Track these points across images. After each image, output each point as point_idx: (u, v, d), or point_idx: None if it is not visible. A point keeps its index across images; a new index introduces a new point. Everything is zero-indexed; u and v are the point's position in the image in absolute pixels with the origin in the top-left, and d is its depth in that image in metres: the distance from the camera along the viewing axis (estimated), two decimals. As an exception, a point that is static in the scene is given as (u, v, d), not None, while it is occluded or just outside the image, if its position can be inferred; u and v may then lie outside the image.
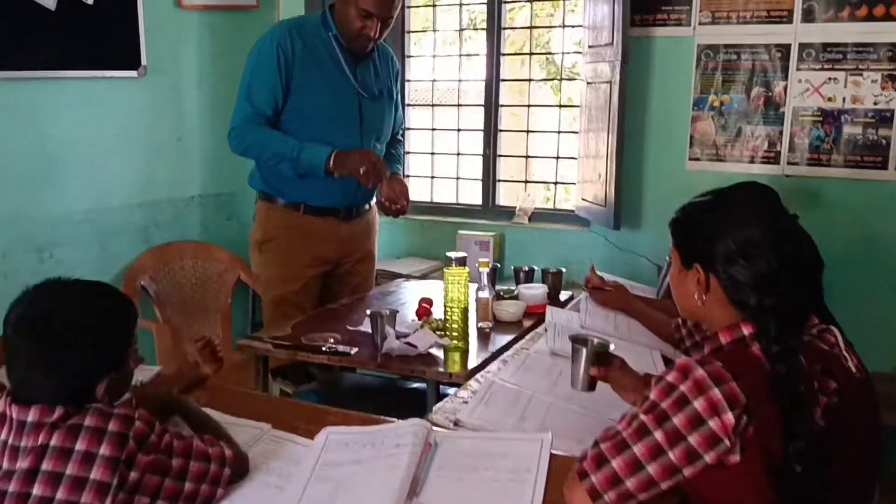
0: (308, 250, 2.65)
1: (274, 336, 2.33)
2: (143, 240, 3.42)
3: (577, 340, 1.77)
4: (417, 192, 4.04)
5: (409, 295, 2.92)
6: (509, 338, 2.36)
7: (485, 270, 2.44)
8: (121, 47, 3.24)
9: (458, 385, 1.98)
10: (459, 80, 3.89)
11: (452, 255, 2.20)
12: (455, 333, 2.21)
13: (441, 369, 2.08)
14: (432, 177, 3.99)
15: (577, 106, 3.62)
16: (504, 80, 3.76)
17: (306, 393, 2.34)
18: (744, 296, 1.36)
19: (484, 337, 2.39)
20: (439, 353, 2.20)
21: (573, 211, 3.61)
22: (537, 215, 3.70)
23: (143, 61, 3.30)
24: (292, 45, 2.53)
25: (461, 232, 3.64)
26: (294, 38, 2.54)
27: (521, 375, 1.95)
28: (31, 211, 2.97)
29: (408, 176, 3.98)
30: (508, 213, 3.75)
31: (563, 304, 2.74)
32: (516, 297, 2.67)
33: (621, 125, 3.14)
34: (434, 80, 3.96)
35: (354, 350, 2.20)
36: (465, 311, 2.21)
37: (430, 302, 2.64)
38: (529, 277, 2.88)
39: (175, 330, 3.36)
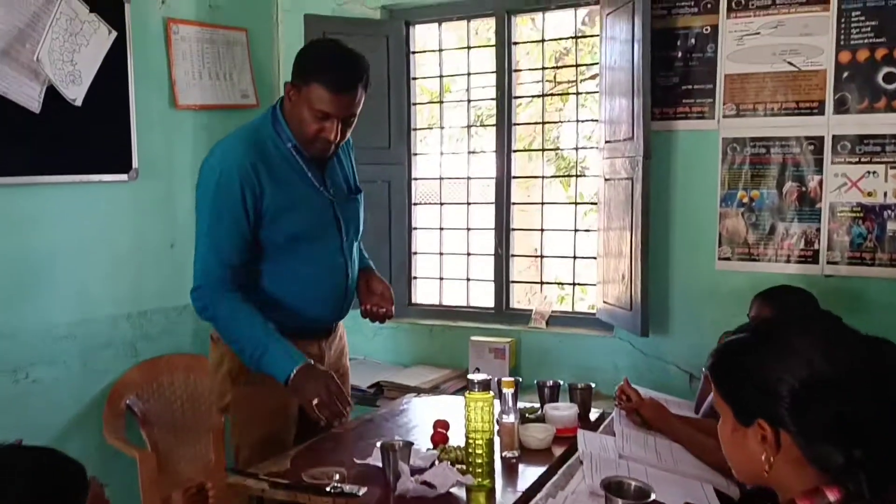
0: None
1: (270, 472, 2.05)
2: (130, 354, 3.16)
3: (611, 488, 1.49)
4: (425, 294, 3.80)
5: (420, 415, 2.63)
6: (539, 470, 2.07)
7: (509, 392, 2.17)
8: (111, 150, 3.06)
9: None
10: (468, 178, 3.70)
11: (475, 377, 1.94)
12: (479, 469, 1.92)
13: (466, 521, 1.79)
14: (441, 278, 3.76)
15: (594, 203, 3.43)
16: (516, 178, 3.58)
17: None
18: (824, 450, 1.10)
19: (510, 469, 2.10)
20: (461, 492, 1.92)
21: (594, 314, 3.37)
22: (555, 319, 3.45)
23: (135, 164, 3.11)
24: (258, 179, 2.14)
25: (474, 338, 3.38)
26: (258, 168, 2.14)
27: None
28: (7, 327, 2.72)
29: (415, 277, 3.75)
30: (524, 316, 3.50)
31: (594, 426, 2.46)
32: (542, 419, 2.40)
33: (646, 223, 2.93)
34: (441, 178, 3.77)
35: (363, 490, 1.91)
36: (490, 443, 1.93)
37: (446, 426, 2.36)
38: (555, 394, 2.61)
39: (162, 456, 3.05)
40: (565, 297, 3.71)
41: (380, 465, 2.03)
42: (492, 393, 1.95)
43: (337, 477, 2.00)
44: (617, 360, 3.25)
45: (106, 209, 3.08)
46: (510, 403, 2.17)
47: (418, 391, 3.15)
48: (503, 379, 2.19)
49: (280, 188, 2.20)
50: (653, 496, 1.43)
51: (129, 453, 2.77)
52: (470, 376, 1.94)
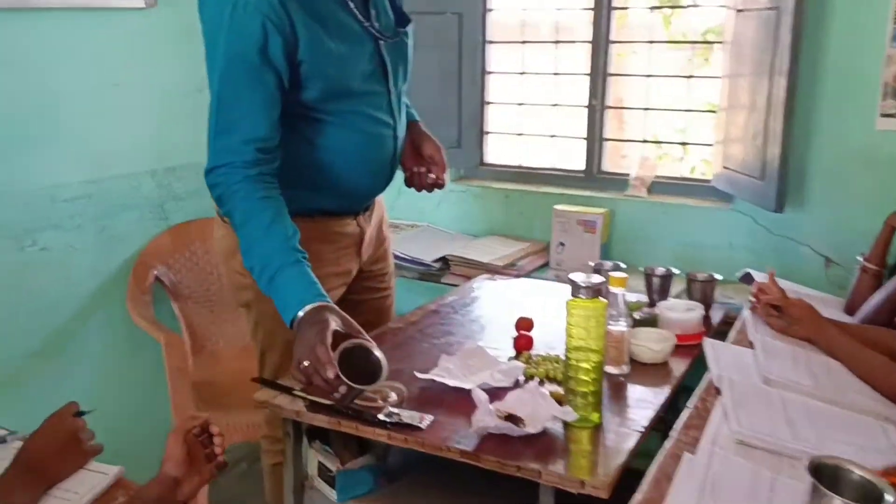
0: (327, 263, 1.79)
1: (307, 388, 1.59)
2: (157, 217, 2.71)
3: (821, 471, 0.98)
4: (501, 153, 3.23)
5: (495, 305, 2.14)
6: (659, 397, 1.57)
7: (620, 292, 1.64)
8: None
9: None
10: (557, 9, 3.02)
11: (579, 278, 1.40)
12: (583, 400, 1.42)
13: (562, 470, 1.30)
14: (520, 134, 3.16)
15: (711, 42, 2.74)
16: (617, 8, 2.88)
17: (357, 473, 1.60)
18: None
19: (617, 393, 1.60)
20: (555, 426, 1.43)
21: (709, 181, 2.76)
22: (659, 186, 2.85)
23: (154, -14, 2.55)
24: (289, 16, 1.54)
25: (559, 207, 2.82)
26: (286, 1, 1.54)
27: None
28: (7, 186, 2.27)
29: (488, 133, 3.16)
30: (619, 182, 2.91)
31: (718, 331, 1.94)
32: (652, 322, 1.87)
33: (794, 68, 2.26)
34: (524, 10, 3.09)
35: (426, 421, 1.44)
36: (600, 367, 1.42)
37: (529, 325, 1.86)
38: (667, 286, 2.07)
39: (198, 335, 2.66)
40: (671, 158, 3.08)
41: (449, 382, 1.56)
42: (605, 302, 1.42)
43: (393, 397, 1.54)
44: (733, 239, 2.67)
45: (120, 44, 2.53)
46: (620, 306, 1.65)
47: (491, 269, 2.65)
48: (612, 275, 1.65)
49: (316, 25, 1.59)
50: (889, 498, 0.91)
51: (154, 335, 2.37)
52: (573, 276, 1.41)
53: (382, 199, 2.06)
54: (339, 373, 1.39)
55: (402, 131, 1.86)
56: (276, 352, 1.82)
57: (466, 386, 1.54)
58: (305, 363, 1.41)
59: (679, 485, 1.18)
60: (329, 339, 1.43)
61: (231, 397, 2.43)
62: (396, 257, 2.78)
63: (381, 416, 1.45)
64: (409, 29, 1.83)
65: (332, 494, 1.59)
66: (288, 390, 1.57)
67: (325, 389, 1.43)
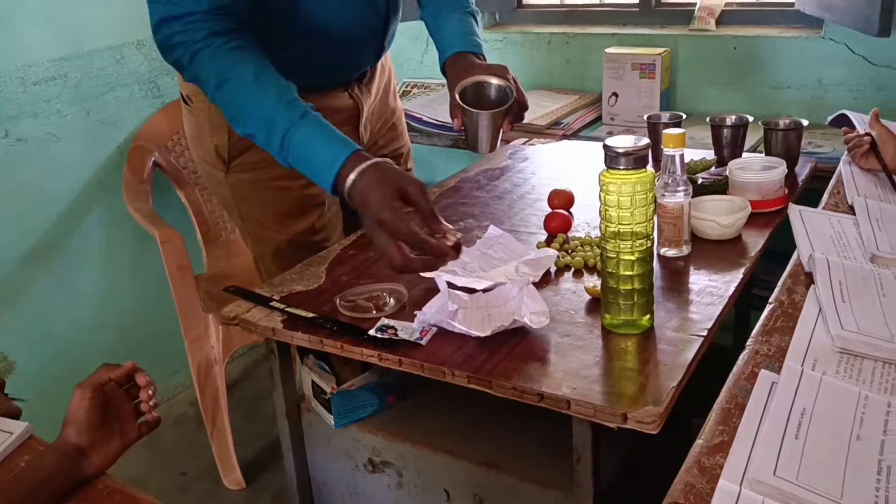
0: None
1: (292, 293, 1.30)
2: (150, 95, 2.40)
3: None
4: (541, -10, 2.77)
5: (530, 175, 1.78)
6: (729, 286, 1.22)
7: (677, 153, 1.27)
8: None
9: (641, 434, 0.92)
10: None
11: (616, 142, 1.03)
12: (626, 301, 1.09)
13: (599, 398, 0.98)
14: (562, -34, 2.68)
15: None
16: None
17: (357, 394, 1.33)
18: None
19: (674, 282, 1.26)
20: (592, 335, 1.11)
21: (791, 4, 2.26)
22: (729, 15, 2.37)
23: None
24: None
25: (610, 50, 2.38)
26: None
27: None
28: (-34, 70, 1.98)
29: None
30: (682, 15, 2.43)
31: (809, 196, 1.55)
32: (722, 188, 1.49)
33: None
34: None
35: (428, 336, 1.13)
36: (649, 255, 1.07)
37: (566, 200, 1.52)
38: (740, 137, 1.67)
39: (209, 225, 2.39)
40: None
41: (457, 282, 1.24)
42: (652, 172, 1.05)
43: (391, 303, 1.23)
44: (823, 73, 2.21)
45: None
46: (677, 171, 1.28)
47: (531, 130, 2.27)
48: (666, 132, 1.27)
49: None
50: None
51: (150, 231, 2.11)
52: (608, 141, 1.04)
53: (389, 64, 1.68)
54: (461, 103, 1.34)
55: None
56: (267, 258, 1.53)
57: (480, 286, 1.22)
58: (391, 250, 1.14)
59: (754, 421, 0.85)
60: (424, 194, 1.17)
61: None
62: (422, 122, 2.43)
63: (371, 332, 1.15)
64: None
65: (330, 419, 1.32)
66: (264, 301, 1.28)
67: (439, 248, 1.14)
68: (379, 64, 1.60)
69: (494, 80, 1.38)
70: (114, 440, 0.91)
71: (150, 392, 0.95)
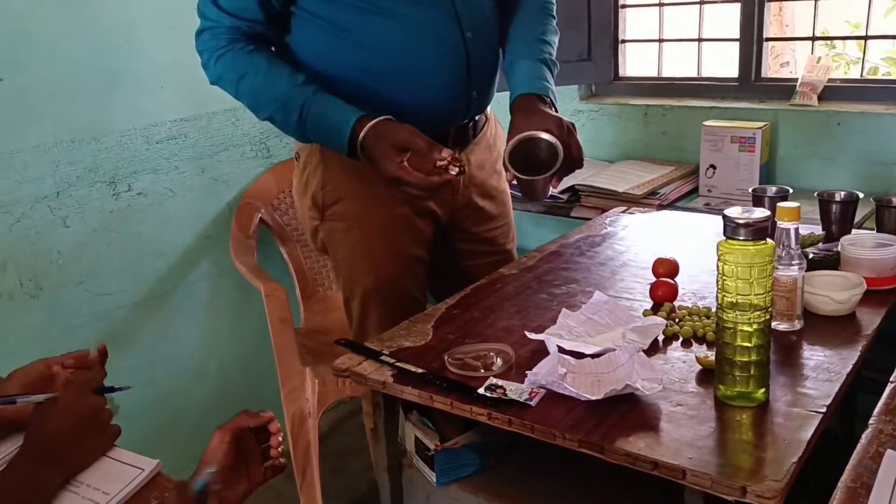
0: (402, 201, 1.52)
1: (401, 349, 1.34)
2: (260, 155, 2.52)
3: None
4: (638, 64, 2.81)
5: (631, 243, 1.79)
6: (846, 364, 1.20)
7: (792, 226, 1.27)
8: None
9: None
10: None
11: (735, 212, 1.04)
12: (743, 372, 1.08)
13: (714, 469, 0.97)
14: (660, 40, 2.73)
15: None
16: None
17: (460, 452, 1.34)
18: None
19: (788, 357, 1.24)
20: (704, 406, 1.11)
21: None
22: (832, 91, 2.36)
23: None
24: None
25: (708, 123, 2.40)
26: None
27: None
28: (95, 129, 2.12)
29: (624, 41, 2.74)
30: (783, 90, 2.43)
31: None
32: (833, 263, 1.47)
33: None
34: None
35: (537, 398, 1.15)
36: (767, 327, 1.07)
37: (671, 269, 1.52)
38: (849, 214, 1.65)
39: (310, 280, 2.48)
40: (846, 61, 2.57)
41: (566, 346, 1.26)
42: (771, 243, 1.05)
43: (499, 363, 1.25)
44: (933, 151, 2.17)
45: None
46: (792, 245, 1.27)
47: (628, 199, 2.29)
48: (781, 205, 1.28)
49: None
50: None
51: (255, 284, 2.19)
52: (728, 211, 1.05)
53: (498, 136, 1.72)
54: (508, 166, 1.40)
55: (483, 50, 1.53)
56: (356, 299, 1.60)
57: (588, 351, 1.23)
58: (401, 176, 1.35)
59: (882, 502, 0.83)
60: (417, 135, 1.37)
61: (342, 347, 2.23)
62: (511, 187, 2.47)
63: (480, 391, 1.17)
64: None
65: (432, 476, 1.34)
66: (375, 355, 1.32)
67: (443, 180, 1.35)
68: (485, 139, 1.66)
69: (545, 137, 1.40)
70: (242, 483, 0.95)
71: (280, 439, 0.99)
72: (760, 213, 1.03)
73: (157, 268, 2.30)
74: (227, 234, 2.40)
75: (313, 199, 1.56)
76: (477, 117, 1.61)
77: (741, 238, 1.03)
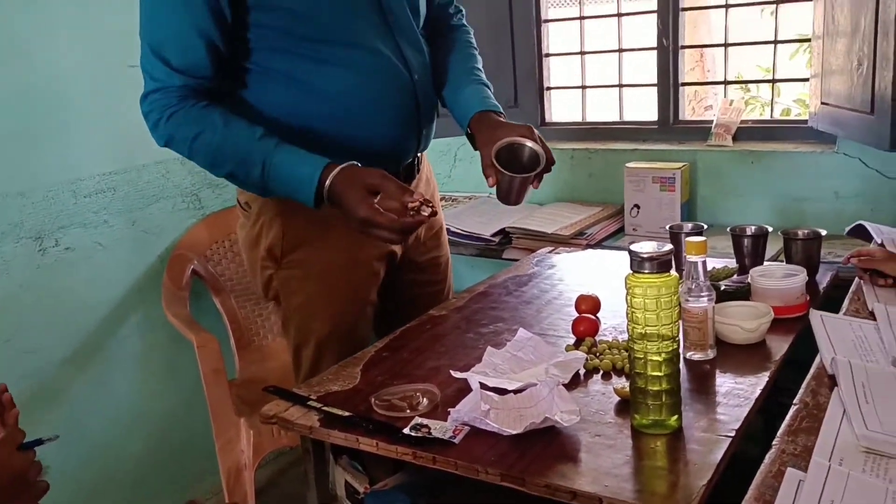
0: (364, 246, 1.56)
1: (328, 393, 1.35)
2: (192, 207, 2.52)
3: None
4: (563, 110, 2.91)
5: (556, 282, 1.85)
6: (755, 389, 1.25)
7: (699, 259, 1.33)
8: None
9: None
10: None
11: (642, 248, 1.09)
12: (653, 400, 1.12)
13: (630, 495, 1.01)
14: (583, 87, 2.83)
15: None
16: (686, -69, 2.51)
17: (390, 495, 1.35)
18: None
19: (701, 384, 1.29)
20: (615, 426, 1.15)
21: (804, 122, 2.37)
22: (745, 132, 2.48)
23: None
24: None
25: (631, 165, 2.49)
26: None
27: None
28: (20, 184, 2.10)
29: (549, 88, 2.84)
30: (699, 132, 2.55)
31: (830, 303, 1.59)
32: (745, 294, 1.54)
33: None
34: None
35: (461, 436, 1.17)
36: (675, 356, 1.12)
37: (594, 305, 1.57)
38: (760, 247, 1.73)
39: (244, 330, 2.46)
40: (759, 104, 2.70)
41: (489, 383, 1.29)
42: (675, 275, 1.11)
43: (424, 403, 1.28)
44: (839, 186, 2.29)
45: (132, 17, 2.34)
46: (700, 277, 1.33)
47: (557, 240, 2.35)
48: (688, 240, 1.34)
49: None
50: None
51: (187, 335, 2.18)
52: (633, 247, 1.10)
53: (430, 172, 1.78)
54: (497, 166, 1.44)
55: (424, 83, 1.58)
56: (309, 347, 1.60)
57: (510, 387, 1.26)
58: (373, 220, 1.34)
59: (785, 517, 0.87)
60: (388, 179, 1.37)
61: (277, 397, 2.21)
62: (452, 233, 2.52)
63: (406, 431, 1.19)
64: None
65: (362, 520, 1.34)
66: (301, 400, 1.33)
67: (416, 221, 1.35)
68: (423, 174, 1.70)
69: (528, 143, 1.48)
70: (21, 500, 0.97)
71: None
72: (663, 247, 1.08)
73: (87, 322, 2.27)
74: (159, 286, 2.39)
75: (268, 250, 1.56)
76: (420, 154, 1.66)
77: (646, 271, 1.08)
